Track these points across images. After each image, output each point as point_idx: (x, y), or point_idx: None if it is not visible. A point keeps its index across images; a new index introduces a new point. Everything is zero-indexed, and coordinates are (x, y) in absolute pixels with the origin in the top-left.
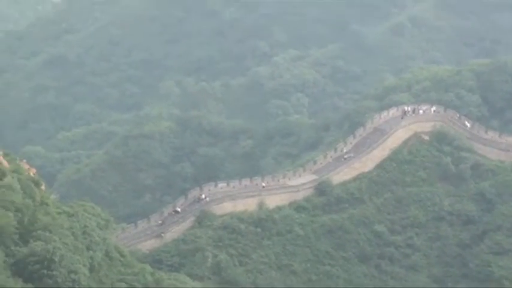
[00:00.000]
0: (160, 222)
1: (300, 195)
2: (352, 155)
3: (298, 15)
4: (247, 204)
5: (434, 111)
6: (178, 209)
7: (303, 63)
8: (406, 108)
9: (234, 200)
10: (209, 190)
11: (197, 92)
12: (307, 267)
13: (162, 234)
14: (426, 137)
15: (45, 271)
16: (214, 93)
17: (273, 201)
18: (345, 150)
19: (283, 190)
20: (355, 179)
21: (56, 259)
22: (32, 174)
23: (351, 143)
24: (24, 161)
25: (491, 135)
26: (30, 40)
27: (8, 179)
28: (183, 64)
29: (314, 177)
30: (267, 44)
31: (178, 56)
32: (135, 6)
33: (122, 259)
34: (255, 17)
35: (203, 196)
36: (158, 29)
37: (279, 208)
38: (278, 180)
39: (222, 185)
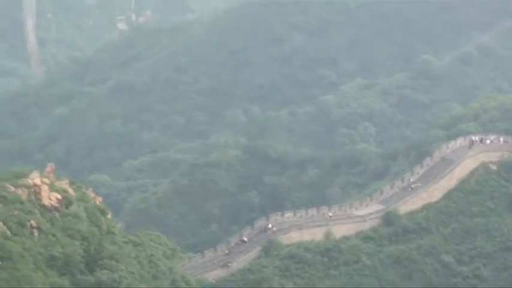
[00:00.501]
0: (226, 251)
1: (366, 225)
2: (419, 184)
3: (365, 44)
4: (314, 234)
5: (502, 140)
6: (245, 239)
7: (371, 92)
8: (473, 137)
9: (300, 229)
10: (276, 220)
11: (264, 120)
12: None
13: (229, 264)
14: (494, 167)
15: None
16: (281, 122)
17: (340, 231)
18: (412, 180)
19: (350, 220)
20: (422, 209)
21: None
22: (98, 202)
23: (418, 173)
24: (91, 189)
25: None
26: (97, 67)
27: (74, 208)
28: (249, 92)
29: (381, 207)
30: (334, 73)
31: (245, 83)
32: (202, 33)
33: None
34: (322, 45)
35: (270, 226)
36: (225, 56)
37: (346, 238)
38: (345, 210)
39: (288, 214)
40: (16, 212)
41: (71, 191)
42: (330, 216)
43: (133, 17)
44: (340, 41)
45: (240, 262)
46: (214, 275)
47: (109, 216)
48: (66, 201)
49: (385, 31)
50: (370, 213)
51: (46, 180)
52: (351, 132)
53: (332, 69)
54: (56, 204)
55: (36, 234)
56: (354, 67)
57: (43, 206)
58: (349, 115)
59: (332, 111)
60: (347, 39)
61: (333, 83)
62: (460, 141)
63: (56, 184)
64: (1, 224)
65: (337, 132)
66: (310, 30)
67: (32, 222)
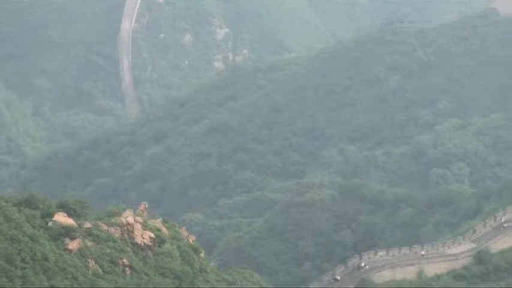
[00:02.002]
0: None
1: (458, 264)
2: (511, 224)
3: (461, 85)
4: (406, 273)
5: None
6: (338, 277)
7: (465, 132)
8: None
9: (393, 268)
10: (369, 258)
11: (359, 160)
12: None
13: None
14: None
15: None
16: (376, 161)
17: (432, 269)
18: (503, 219)
19: (442, 258)
20: None
21: None
22: (191, 241)
23: (510, 212)
24: (184, 228)
25: None
26: (193, 107)
27: (167, 246)
28: (345, 132)
29: (473, 245)
30: (430, 112)
31: (341, 123)
32: (299, 73)
33: None
34: (418, 86)
35: (363, 264)
36: (321, 96)
37: (438, 277)
38: (437, 249)
39: (381, 253)
40: (108, 251)
41: (164, 229)
42: (423, 255)
43: (230, 56)
44: (437, 80)
45: None
46: None
47: (202, 254)
48: (159, 240)
49: (481, 70)
50: (463, 252)
51: (139, 218)
52: (445, 172)
53: (428, 109)
54: (149, 243)
55: (128, 272)
56: (450, 107)
57: (136, 245)
58: (443, 155)
59: (427, 151)
60: (442, 78)
61: (429, 123)
62: None
63: (149, 223)
64: (93, 262)
65: (432, 172)
66: (408, 70)
67: (125, 260)
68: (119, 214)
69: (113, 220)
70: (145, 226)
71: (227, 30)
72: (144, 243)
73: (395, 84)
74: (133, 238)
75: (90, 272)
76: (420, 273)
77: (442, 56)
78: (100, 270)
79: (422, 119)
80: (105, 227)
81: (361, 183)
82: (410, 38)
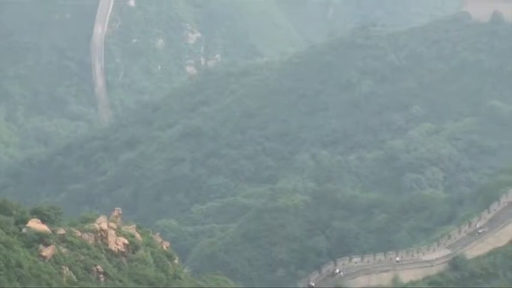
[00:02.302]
0: None
1: (434, 270)
2: (486, 229)
3: (434, 89)
4: (381, 279)
5: None
6: (312, 284)
7: (438, 137)
8: None
9: (368, 274)
10: (343, 264)
11: (332, 165)
12: None
13: None
14: None
15: None
16: (348, 166)
17: (407, 276)
18: (478, 225)
19: (417, 265)
20: (489, 253)
21: None
22: (165, 247)
23: (485, 218)
24: (158, 234)
25: None
26: (166, 112)
27: (141, 253)
28: (318, 137)
29: (448, 252)
30: (403, 117)
31: (313, 128)
32: (271, 78)
33: None
34: (391, 90)
35: (337, 270)
36: (294, 100)
37: (413, 283)
38: (412, 255)
39: (356, 259)
40: (82, 257)
41: (138, 235)
42: (398, 261)
43: (203, 61)
44: (409, 85)
45: None
46: None
47: (176, 261)
48: (133, 246)
49: (453, 75)
50: (438, 258)
51: (113, 225)
52: (419, 177)
53: (401, 114)
54: (123, 249)
55: (102, 279)
56: (422, 112)
57: (110, 251)
58: (417, 160)
59: (400, 156)
60: (415, 84)
61: (402, 127)
62: None
63: (123, 229)
64: (67, 269)
65: (405, 177)
66: (381, 75)
67: (99, 267)
68: (93, 220)
69: (86, 226)
70: (119, 232)
71: (199, 34)
72: (118, 249)
73: (368, 88)
74: (107, 244)
75: (64, 279)
76: (395, 280)
77: (414, 60)
78: (74, 277)
79: (395, 123)
80: (79, 234)
81: (334, 189)
82: (382, 41)
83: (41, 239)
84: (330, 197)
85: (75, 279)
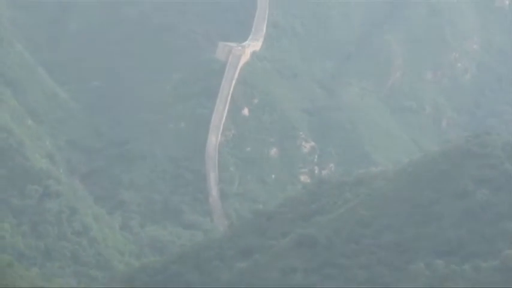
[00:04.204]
0: None
1: None
2: None
3: None
4: None
5: None
6: None
7: None
8: None
9: None
10: None
11: (447, 274)
12: None
13: None
14: None
15: None
16: (464, 276)
17: None
18: None
19: None
20: None
21: None
22: None
23: None
24: None
25: None
26: (280, 221)
27: None
28: (433, 246)
29: None
30: None
31: (428, 237)
32: (386, 187)
33: None
34: (507, 199)
35: None
36: (409, 210)
37: None
38: None
39: None
40: None
41: None
42: None
43: (316, 170)
44: None
45: None
46: None
47: None
48: None
49: None
50: None
51: None
52: None
53: None
54: None
55: None
56: None
57: None
58: None
59: None
60: None
61: None
62: None
63: None
64: None
65: None
66: (496, 184)
67: None
68: None
69: None
70: None
71: (313, 143)
72: None
73: (483, 197)
74: None
75: None
76: None
77: None
78: None
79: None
80: None
81: None
82: (497, 150)
83: None
84: None
85: None
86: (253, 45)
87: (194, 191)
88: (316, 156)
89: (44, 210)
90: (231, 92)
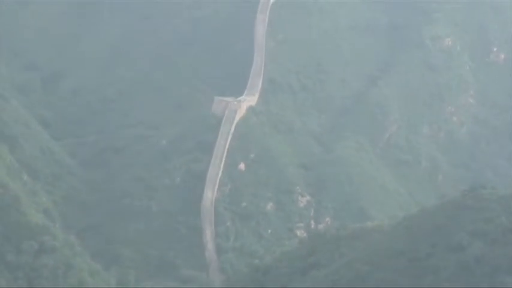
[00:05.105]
0: None
1: None
2: None
3: None
4: None
5: None
6: None
7: None
8: None
9: None
10: None
11: None
12: None
13: None
14: None
15: None
16: None
17: None
18: None
19: None
20: None
21: None
22: None
23: None
24: None
25: None
26: (276, 275)
27: None
28: None
29: None
30: None
31: None
32: (382, 241)
33: None
34: (502, 252)
35: None
36: (404, 264)
37: None
38: None
39: None
40: None
41: None
42: None
43: (313, 224)
44: None
45: None
46: None
47: None
48: None
49: None
50: None
51: None
52: None
53: None
54: None
55: None
56: None
57: None
58: None
59: None
60: None
61: None
62: None
63: None
64: None
65: None
66: (492, 238)
67: None
68: None
69: None
70: None
71: (309, 198)
72: None
73: (479, 251)
74: None
75: None
76: None
77: None
78: None
79: (507, 285)
80: None
81: None
82: (493, 204)
83: None
84: None
85: None
86: (249, 100)
87: (190, 246)
88: (312, 211)
89: (39, 266)
90: (227, 146)
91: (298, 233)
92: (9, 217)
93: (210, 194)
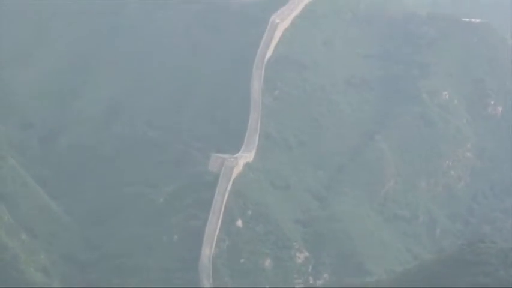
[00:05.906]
0: None
1: None
2: None
3: None
4: None
5: None
6: None
7: None
8: None
9: None
10: None
11: None
12: None
13: None
14: None
15: None
16: None
17: None
18: None
19: None
20: None
21: None
22: None
23: None
24: None
25: None
26: None
27: None
28: None
29: None
30: None
31: None
32: None
33: None
34: None
35: None
36: None
37: None
38: None
39: None
40: None
41: None
42: None
43: (311, 280)
44: None
45: None
46: None
47: None
48: None
49: None
50: None
51: None
52: None
53: None
54: None
55: None
56: None
57: None
58: None
59: None
60: None
61: None
62: None
63: None
64: None
65: None
66: None
67: None
68: None
69: None
70: None
71: (307, 254)
72: None
73: None
74: None
75: None
76: None
77: None
78: None
79: None
80: None
81: None
82: (491, 258)
83: None
84: None
85: None
86: (246, 156)
87: None
88: (310, 267)
89: None
90: (224, 203)
91: None
92: (8, 276)
93: (207, 251)
